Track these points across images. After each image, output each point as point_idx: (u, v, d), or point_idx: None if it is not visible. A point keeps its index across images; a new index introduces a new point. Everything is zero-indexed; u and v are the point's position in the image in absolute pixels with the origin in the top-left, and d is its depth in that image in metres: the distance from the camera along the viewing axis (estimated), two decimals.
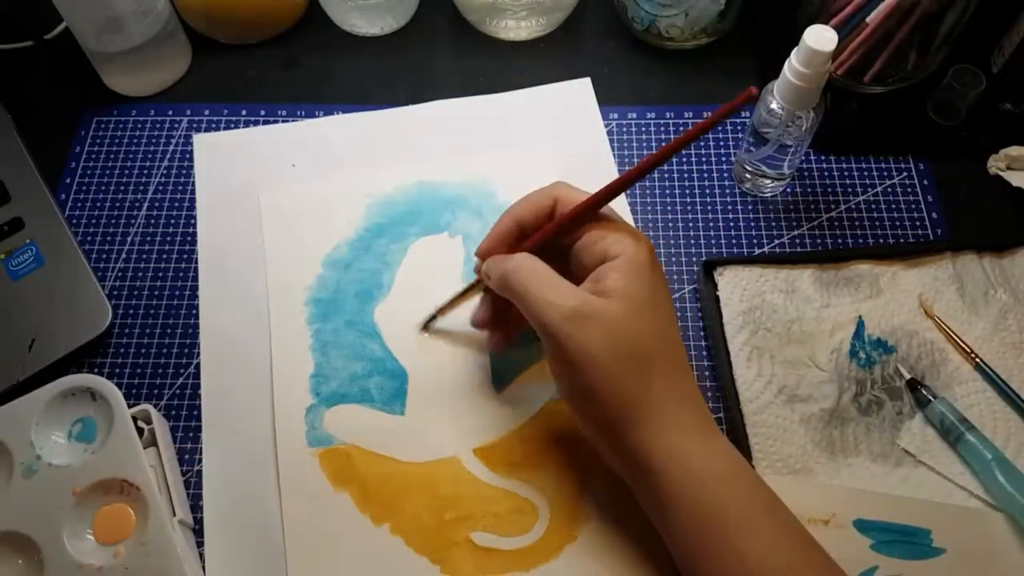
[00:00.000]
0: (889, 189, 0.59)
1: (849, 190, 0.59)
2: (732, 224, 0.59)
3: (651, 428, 0.41)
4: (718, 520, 0.40)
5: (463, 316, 0.52)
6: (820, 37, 0.48)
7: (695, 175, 0.61)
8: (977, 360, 0.51)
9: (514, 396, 0.52)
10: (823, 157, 0.61)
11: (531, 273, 0.43)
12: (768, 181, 0.58)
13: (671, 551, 0.42)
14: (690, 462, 0.41)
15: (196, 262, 0.58)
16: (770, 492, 0.41)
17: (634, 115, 0.63)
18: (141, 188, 0.61)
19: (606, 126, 0.62)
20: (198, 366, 0.54)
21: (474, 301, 0.51)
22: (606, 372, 0.41)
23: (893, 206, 0.59)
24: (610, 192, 0.43)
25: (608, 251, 0.43)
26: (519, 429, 0.51)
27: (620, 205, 0.59)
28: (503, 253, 0.46)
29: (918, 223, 0.58)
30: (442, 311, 0.53)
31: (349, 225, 0.58)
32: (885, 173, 0.60)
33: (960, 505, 0.47)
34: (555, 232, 0.45)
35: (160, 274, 0.58)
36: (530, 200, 0.46)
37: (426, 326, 0.54)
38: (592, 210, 0.44)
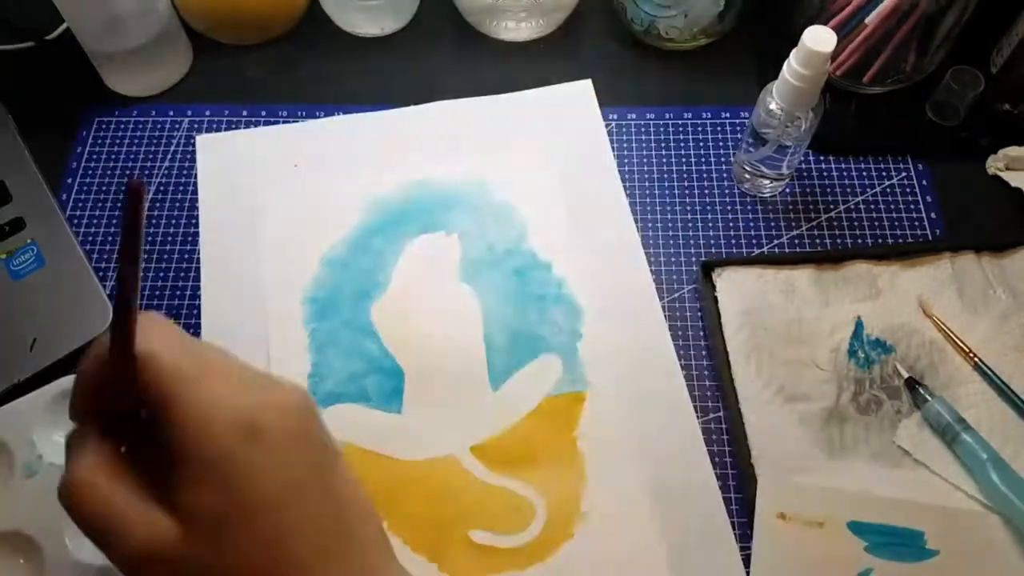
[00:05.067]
0: (888, 189, 0.59)
1: (848, 190, 0.60)
2: (731, 224, 0.59)
3: None
4: None
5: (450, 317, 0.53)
6: (819, 38, 0.48)
7: (695, 175, 0.61)
8: (976, 360, 0.51)
9: (510, 394, 0.52)
10: (822, 157, 0.61)
11: (85, 508, 0.29)
12: (767, 181, 0.58)
13: None
14: None
15: (197, 262, 0.58)
16: None
17: (634, 115, 0.63)
18: None
19: (606, 126, 0.62)
20: None
21: None
22: None
23: (892, 206, 0.59)
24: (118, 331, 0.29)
25: (169, 438, 0.29)
26: (516, 427, 0.51)
27: (619, 206, 0.59)
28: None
29: (917, 223, 0.58)
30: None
31: (346, 224, 0.58)
32: (884, 173, 0.60)
33: (953, 507, 0.47)
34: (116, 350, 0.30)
35: (161, 274, 0.58)
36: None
37: None
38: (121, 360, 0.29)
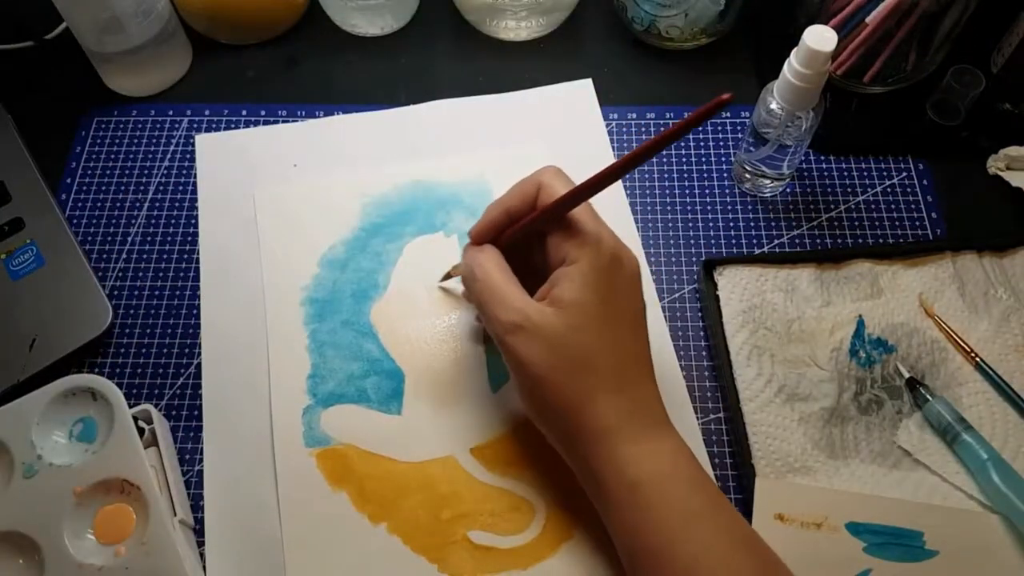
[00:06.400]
0: (889, 189, 0.59)
1: (849, 190, 0.59)
2: (732, 224, 0.59)
3: (589, 437, 0.42)
4: (650, 524, 0.40)
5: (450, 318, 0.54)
6: (820, 37, 0.48)
7: (695, 175, 0.61)
8: (977, 360, 0.51)
9: (509, 395, 0.52)
10: (823, 157, 0.61)
11: (482, 282, 0.45)
12: (768, 181, 0.58)
13: (618, 552, 0.43)
14: (625, 469, 0.41)
15: (197, 262, 0.58)
16: (710, 494, 0.42)
17: (634, 115, 0.63)
18: (142, 188, 0.61)
19: (606, 126, 0.62)
20: (199, 366, 0.54)
21: None
22: (545, 381, 0.42)
23: (893, 206, 0.59)
24: (585, 189, 0.43)
25: (568, 255, 0.43)
26: (515, 428, 0.51)
27: (620, 206, 0.59)
28: (489, 241, 0.47)
29: (918, 223, 0.58)
30: (455, 270, 0.54)
31: (345, 225, 0.58)
32: (885, 173, 0.60)
33: (953, 507, 0.47)
34: (532, 225, 0.45)
35: (161, 274, 0.58)
36: (516, 188, 0.47)
37: (443, 279, 0.55)
38: (566, 205, 0.44)
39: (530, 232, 0.46)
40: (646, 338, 0.45)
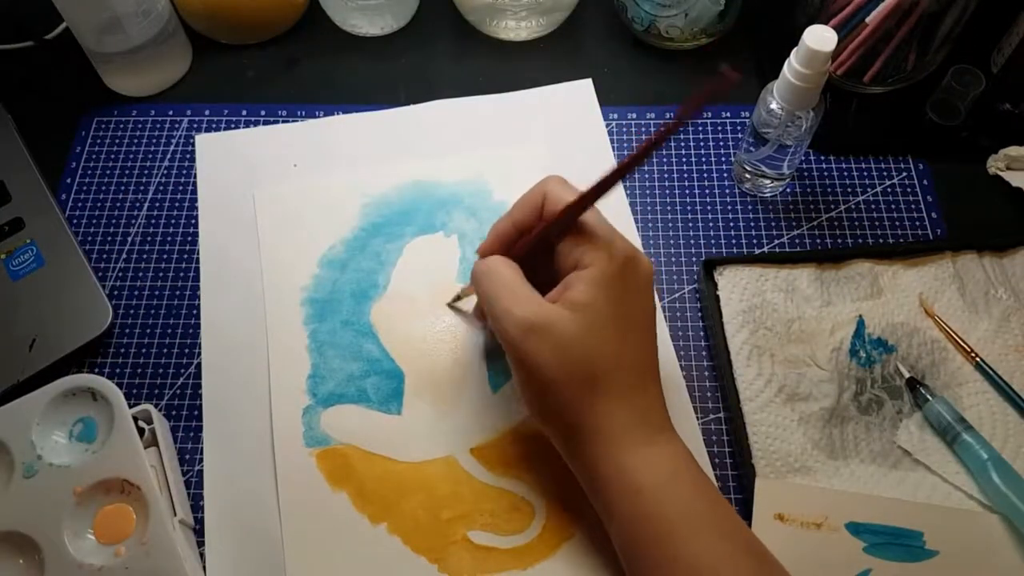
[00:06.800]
0: (889, 189, 0.59)
1: (849, 190, 0.59)
2: (732, 224, 0.59)
3: (592, 443, 0.42)
4: (652, 526, 0.41)
5: (450, 319, 0.54)
6: (820, 37, 0.48)
7: (695, 175, 0.61)
8: (977, 360, 0.51)
9: (509, 395, 0.52)
10: (823, 157, 0.61)
11: (495, 279, 0.44)
12: (768, 181, 0.58)
13: (619, 555, 0.43)
14: (628, 474, 0.41)
15: (197, 262, 0.58)
16: (711, 498, 0.42)
17: (634, 115, 0.63)
18: (141, 188, 0.61)
19: (606, 126, 0.62)
20: (199, 366, 0.54)
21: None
22: (552, 383, 0.42)
23: (893, 206, 0.59)
24: (592, 195, 0.43)
25: (580, 260, 0.43)
26: (515, 428, 0.51)
27: (620, 206, 0.59)
28: (500, 253, 0.47)
29: (918, 223, 0.58)
30: (465, 292, 0.54)
31: (345, 225, 0.58)
32: (885, 173, 0.60)
33: (953, 507, 0.47)
34: (543, 235, 0.45)
35: (161, 274, 0.58)
36: (523, 200, 0.47)
37: (453, 301, 0.55)
38: (574, 212, 0.43)
39: (539, 243, 0.45)
40: (655, 342, 0.45)
